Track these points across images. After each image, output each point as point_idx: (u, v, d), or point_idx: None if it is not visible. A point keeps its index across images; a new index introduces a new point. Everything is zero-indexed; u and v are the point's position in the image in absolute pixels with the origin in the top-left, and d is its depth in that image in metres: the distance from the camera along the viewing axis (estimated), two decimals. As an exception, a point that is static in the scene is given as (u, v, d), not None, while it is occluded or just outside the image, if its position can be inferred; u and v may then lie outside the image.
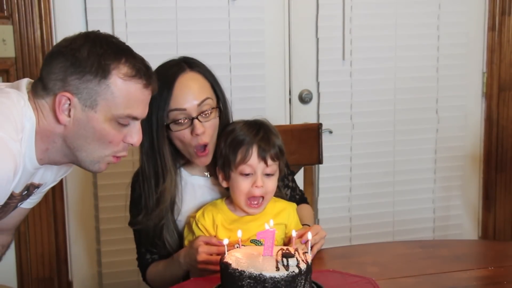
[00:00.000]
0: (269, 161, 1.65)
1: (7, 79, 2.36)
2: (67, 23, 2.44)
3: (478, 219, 3.07)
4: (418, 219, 2.95)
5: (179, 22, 2.52)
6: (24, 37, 2.37)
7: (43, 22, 2.38)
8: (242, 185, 1.64)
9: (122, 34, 2.44)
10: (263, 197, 1.67)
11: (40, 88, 1.40)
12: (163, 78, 1.63)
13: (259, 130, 1.67)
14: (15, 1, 2.34)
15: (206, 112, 1.66)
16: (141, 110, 1.44)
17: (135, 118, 1.44)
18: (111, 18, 2.45)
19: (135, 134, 1.45)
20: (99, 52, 1.36)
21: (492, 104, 2.96)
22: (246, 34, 2.61)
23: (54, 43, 2.41)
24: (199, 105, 1.65)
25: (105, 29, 2.41)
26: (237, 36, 2.60)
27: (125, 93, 1.38)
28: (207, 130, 1.66)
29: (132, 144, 1.46)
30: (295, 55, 2.71)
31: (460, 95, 2.92)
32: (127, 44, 1.45)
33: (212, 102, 1.68)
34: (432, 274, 1.62)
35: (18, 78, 2.33)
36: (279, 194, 1.78)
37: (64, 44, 1.40)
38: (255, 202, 1.66)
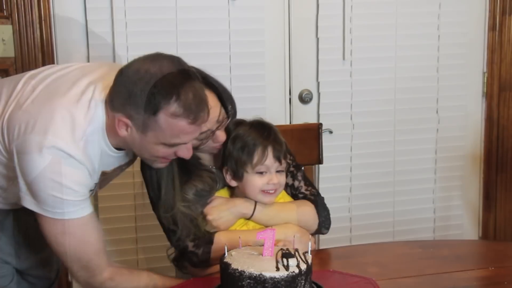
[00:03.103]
0: (282, 160, 1.75)
1: (6, 79, 2.36)
2: (67, 23, 2.44)
3: (479, 219, 3.07)
4: (418, 219, 2.95)
5: (179, 22, 2.52)
6: (23, 37, 2.36)
7: (43, 22, 2.38)
8: (258, 183, 1.73)
9: (122, 34, 2.45)
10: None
11: (109, 97, 1.53)
12: None
13: (269, 132, 1.75)
14: (15, 1, 2.34)
15: (224, 122, 1.72)
16: (188, 139, 1.55)
17: (183, 144, 1.56)
18: (111, 18, 2.45)
19: (186, 151, 1.58)
20: (151, 90, 1.45)
21: (492, 104, 2.96)
22: (246, 34, 2.61)
23: (54, 43, 2.42)
24: (217, 121, 1.69)
25: (105, 29, 2.44)
26: (237, 36, 2.59)
27: (171, 128, 1.49)
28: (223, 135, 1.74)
29: (183, 157, 1.60)
30: (295, 55, 2.71)
31: (460, 95, 2.92)
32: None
33: (223, 111, 1.72)
34: (432, 274, 1.62)
35: (17, 78, 2.33)
36: None
37: (127, 73, 1.50)
38: (271, 191, 1.75)
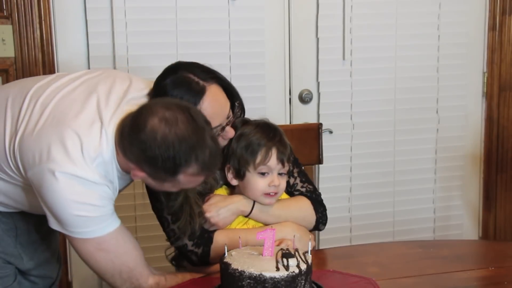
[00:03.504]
0: (286, 163, 1.74)
1: (6, 79, 2.36)
2: (66, 23, 2.44)
3: (479, 219, 3.07)
4: (418, 219, 2.95)
5: (179, 22, 2.52)
6: (23, 37, 2.36)
7: (43, 22, 2.38)
8: (259, 184, 1.72)
9: (122, 34, 2.45)
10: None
11: (120, 141, 1.52)
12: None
13: (275, 133, 1.75)
14: (15, 1, 2.34)
15: (231, 118, 1.71)
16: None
17: None
18: (111, 18, 2.45)
19: (197, 184, 1.60)
20: (170, 155, 1.46)
21: (492, 104, 2.96)
22: (246, 33, 2.61)
23: (54, 43, 2.42)
24: (228, 117, 1.69)
25: (105, 29, 2.44)
26: (237, 36, 2.59)
27: (188, 182, 1.54)
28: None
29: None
30: (295, 55, 2.71)
31: (460, 95, 2.92)
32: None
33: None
34: (432, 274, 1.62)
35: (17, 77, 2.33)
36: None
37: (143, 137, 1.46)
38: (273, 193, 1.74)
